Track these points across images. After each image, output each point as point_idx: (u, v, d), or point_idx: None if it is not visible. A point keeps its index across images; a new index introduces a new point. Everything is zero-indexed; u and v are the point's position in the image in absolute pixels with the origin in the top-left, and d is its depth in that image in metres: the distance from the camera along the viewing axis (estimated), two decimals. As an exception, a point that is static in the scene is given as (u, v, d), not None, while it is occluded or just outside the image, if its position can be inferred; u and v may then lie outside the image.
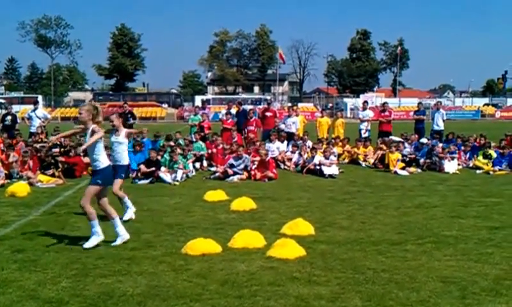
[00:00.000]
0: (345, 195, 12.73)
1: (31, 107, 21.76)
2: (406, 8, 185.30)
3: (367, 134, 21.24)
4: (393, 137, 19.54)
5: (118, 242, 8.21)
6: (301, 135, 19.94)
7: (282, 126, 20.73)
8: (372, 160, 18.19)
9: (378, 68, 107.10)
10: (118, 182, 9.85)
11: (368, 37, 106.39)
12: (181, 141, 18.53)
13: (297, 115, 21.00)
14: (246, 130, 19.95)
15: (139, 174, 14.93)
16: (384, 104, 23.87)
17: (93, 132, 7.98)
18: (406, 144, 18.78)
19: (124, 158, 10.07)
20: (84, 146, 8.09)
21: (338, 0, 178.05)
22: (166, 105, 78.98)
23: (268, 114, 21.20)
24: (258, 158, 15.58)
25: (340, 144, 19.74)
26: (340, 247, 7.94)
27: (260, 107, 38.06)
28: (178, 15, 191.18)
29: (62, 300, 5.95)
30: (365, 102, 23.77)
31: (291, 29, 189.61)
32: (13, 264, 7.25)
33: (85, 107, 8.35)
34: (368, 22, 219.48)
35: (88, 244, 7.99)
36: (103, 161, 8.14)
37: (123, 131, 10.16)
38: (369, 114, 22.11)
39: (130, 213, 9.94)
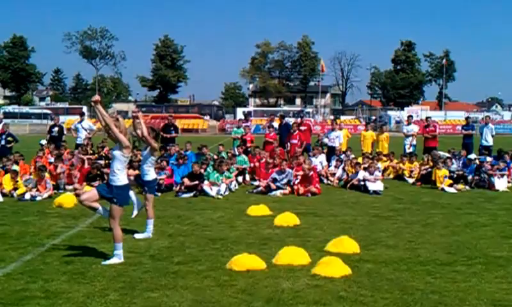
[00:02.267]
0: (390, 212, 12.52)
1: (76, 117, 22.19)
2: (452, 19, 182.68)
3: (411, 149, 20.91)
4: (440, 152, 19.13)
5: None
6: (344, 149, 19.77)
7: (325, 140, 20.58)
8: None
9: (423, 80, 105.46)
10: (150, 198, 9.93)
11: (413, 48, 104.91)
12: (224, 154, 18.60)
13: (340, 129, 20.80)
14: (288, 144, 19.83)
15: (182, 187, 15.03)
16: (427, 119, 23.45)
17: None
18: (454, 160, 18.37)
19: (148, 174, 10.06)
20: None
21: (382, 11, 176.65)
22: (207, 117, 79.60)
23: (302, 128, 21.02)
24: (301, 172, 15.49)
25: (385, 159, 19.48)
26: (387, 266, 7.82)
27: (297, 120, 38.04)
28: (221, 26, 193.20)
29: (110, 313, 6.03)
30: (410, 117, 23.41)
31: (334, 40, 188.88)
32: (62, 276, 7.38)
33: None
34: (413, 33, 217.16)
35: (107, 262, 8.03)
36: (121, 179, 8.18)
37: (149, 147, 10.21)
38: (414, 128, 21.75)
39: (147, 234, 9.81)
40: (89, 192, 8.49)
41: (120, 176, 8.14)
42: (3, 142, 19.54)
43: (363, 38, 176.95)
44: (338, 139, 19.92)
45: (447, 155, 19.28)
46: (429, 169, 17.36)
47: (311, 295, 6.56)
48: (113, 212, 8.08)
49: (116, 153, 8.18)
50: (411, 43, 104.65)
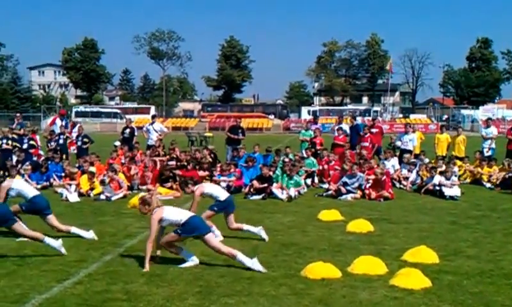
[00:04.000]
0: (469, 219, 12.06)
1: (145, 116, 22.65)
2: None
3: (490, 153, 20.19)
4: None
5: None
6: (417, 152, 19.31)
7: (398, 143, 20.15)
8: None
9: (500, 78, 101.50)
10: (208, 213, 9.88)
11: (490, 45, 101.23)
12: (291, 156, 18.51)
13: (413, 131, 20.29)
14: (359, 146, 19.54)
15: (251, 190, 15.10)
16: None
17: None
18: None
19: (219, 195, 9.96)
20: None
21: (456, 7, 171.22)
22: (272, 116, 79.73)
23: (374, 130, 20.65)
24: (372, 176, 15.25)
25: (461, 162, 18.88)
26: (469, 279, 7.54)
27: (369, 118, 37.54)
28: (286, 26, 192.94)
29: (190, 318, 6.11)
30: (489, 119, 22.62)
31: (404, 38, 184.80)
32: (141, 277, 7.54)
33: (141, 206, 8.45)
34: (489, 29, 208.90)
35: (184, 265, 8.12)
36: (181, 217, 8.18)
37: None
38: (493, 131, 20.94)
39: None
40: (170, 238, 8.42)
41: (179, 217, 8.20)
42: (79, 143, 20.20)
43: (436, 36, 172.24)
44: (412, 142, 19.45)
45: None
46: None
47: (390, 308, 6.45)
48: (171, 236, 8.24)
49: None
50: (488, 40, 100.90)
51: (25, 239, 9.47)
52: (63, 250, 8.67)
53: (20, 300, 6.59)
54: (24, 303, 6.51)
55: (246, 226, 10.01)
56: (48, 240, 8.66)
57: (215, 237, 9.78)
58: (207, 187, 10.12)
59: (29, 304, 6.49)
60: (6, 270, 7.86)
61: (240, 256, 7.99)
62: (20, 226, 8.52)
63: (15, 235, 9.26)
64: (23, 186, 10.18)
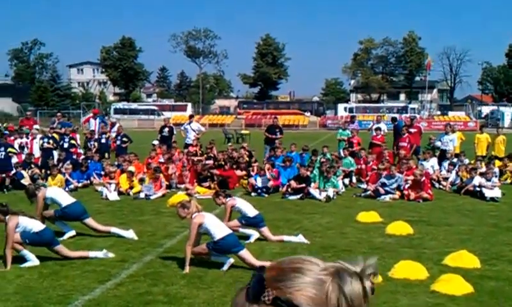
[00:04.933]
0: (510, 222, 11.79)
1: (182, 114, 22.81)
2: None
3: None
4: None
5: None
6: (457, 152, 18.97)
7: (438, 143, 19.82)
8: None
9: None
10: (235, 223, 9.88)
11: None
12: (328, 155, 18.43)
13: (453, 131, 19.95)
14: (397, 146, 19.31)
15: (289, 190, 15.08)
16: None
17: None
18: None
19: (248, 212, 10.01)
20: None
21: (495, 3, 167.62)
22: (308, 113, 79.34)
23: (412, 130, 20.35)
24: (411, 177, 15.06)
25: (501, 163, 18.49)
26: (512, 285, 7.43)
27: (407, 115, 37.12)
28: (322, 23, 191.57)
29: (231, 323, 6.12)
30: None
31: (442, 35, 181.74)
32: (181, 279, 7.62)
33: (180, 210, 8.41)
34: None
35: (225, 267, 8.16)
36: (218, 233, 8.18)
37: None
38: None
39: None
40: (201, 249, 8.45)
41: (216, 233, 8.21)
42: (119, 142, 20.45)
43: (475, 33, 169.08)
44: (452, 142, 19.12)
45: None
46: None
47: (432, 314, 6.39)
48: (203, 248, 8.29)
49: None
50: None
51: (65, 237, 9.69)
52: (110, 254, 8.81)
53: (63, 302, 6.72)
54: (67, 304, 6.64)
55: (286, 237, 9.98)
56: (94, 254, 8.78)
57: (251, 238, 9.86)
58: (238, 202, 10.12)
59: (72, 306, 6.62)
60: (49, 270, 8.03)
61: None
62: (62, 248, 8.67)
63: (58, 235, 9.46)
64: (57, 194, 10.35)
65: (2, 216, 8.31)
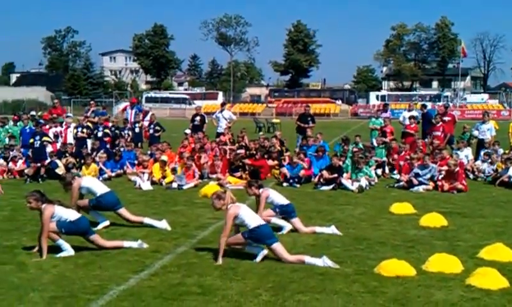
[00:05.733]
0: (546, 214, 11.59)
1: (213, 102, 22.81)
2: None
3: None
4: None
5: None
6: (492, 142, 18.61)
7: (475, 132, 19.45)
8: None
9: None
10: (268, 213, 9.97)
11: None
12: (361, 145, 18.27)
13: (489, 120, 19.51)
14: (431, 136, 19.01)
15: (321, 180, 15.02)
16: None
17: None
18: None
19: (280, 201, 10.07)
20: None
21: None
22: (339, 102, 78.89)
23: (446, 118, 20.02)
24: (445, 167, 14.86)
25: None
26: (550, 280, 7.26)
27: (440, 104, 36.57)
28: (354, 10, 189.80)
29: (264, 315, 6.16)
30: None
31: (475, 20, 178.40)
32: (215, 271, 7.65)
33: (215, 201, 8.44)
34: None
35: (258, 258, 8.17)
36: (253, 223, 8.23)
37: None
38: None
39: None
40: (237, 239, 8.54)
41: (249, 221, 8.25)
42: (151, 131, 20.56)
43: (508, 18, 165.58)
44: (490, 131, 18.74)
45: None
46: None
47: (468, 309, 6.31)
48: (238, 237, 8.38)
49: None
50: None
51: (99, 227, 9.80)
52: (145, 245, 8.89)
53: (98, 292, 6.79)
54: (103, 294, 6.70)
55: (318, 229, 9.94)
56: (128, 244, 8.88)
57: (284, 230, 9.85)
58: (271, 193, 10.11)
59: (108, 296, 6.68)
60: (84, 260, 8.13)
61: (309, 259, 7.96)
62: (97, 238, 8.79)
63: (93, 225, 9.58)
64: (92, 183, 10.45)
65: (40, 204, 8.43)
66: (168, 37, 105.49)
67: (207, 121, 22.19)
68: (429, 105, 41.32)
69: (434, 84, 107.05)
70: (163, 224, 10.11)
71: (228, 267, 7.78)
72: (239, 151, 17.56)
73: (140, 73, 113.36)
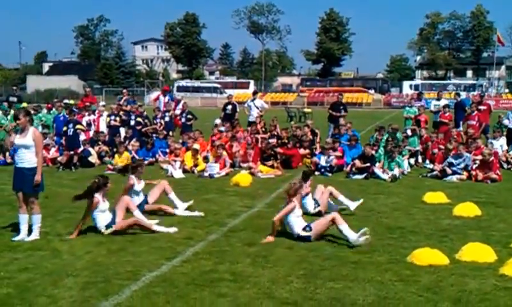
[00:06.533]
0: None
1: (244, 91, 22.66)
2: None
3: None
4: None
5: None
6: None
7: (506, 121, 19.13)
8: None
9: None
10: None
11: None
12: (398, 135, 18.00)
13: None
14: (465, 125, 18.70)
15: (353, 169, 14.94)
16: None
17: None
18: None
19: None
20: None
21: None
22: (372, 91, 78.06)
23: (482, 107, 19.66)
24: (479, 157, 14.63)
25: None
26: None
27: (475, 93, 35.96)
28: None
29: (296, 302, 6.18)
30: None
31: (511, 8, 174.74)
32: (246, 258, 7.69)
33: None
34: None
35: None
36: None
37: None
38: None
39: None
40: None
41: None
42: (183, 119, 20.60)
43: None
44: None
45: None
46: None
47: (501, 299, 6.24)
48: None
49: None
50: None
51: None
52: (172, 229, 9.10)
53: (131, 277, 6.89)
54: (136, 280, 6.79)
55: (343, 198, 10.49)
56: (158, 228, 9.14)
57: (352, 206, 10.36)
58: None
59: (140, 281, 6.77)
60: (117, 247, 8.25)
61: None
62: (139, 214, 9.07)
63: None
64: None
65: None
66: (199, 25, 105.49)
67: (238, 109, 22.15)
68: (463, 94, 40.68)
69: (469, 73, 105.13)
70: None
71: (259, 255, 7.82)
72: (270, 140, 17.55)
73: (171, 62, 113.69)
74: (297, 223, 8.65)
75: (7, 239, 8.63)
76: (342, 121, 19.53)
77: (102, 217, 8.94)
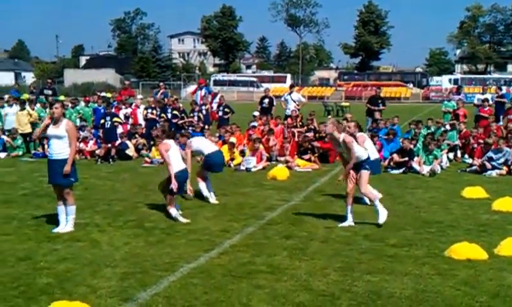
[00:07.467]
0: None
1: (281, 85, 22.58)
2: None
3: None
4: None
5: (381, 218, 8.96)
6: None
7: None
8: None
9: None
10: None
11: None
12: (433, 129, 17.85)
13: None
14: (505, 119, 18.39)
15: (391, 163, 14.84)
16: None
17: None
18: None
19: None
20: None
21: None
22: (411, 85, 77.03)
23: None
24: (520, 152, 14.37)
25: None
26: None
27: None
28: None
29: (333, 294, 6.20)
30: None
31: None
32: (283, 251, 7.75)
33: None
34: None
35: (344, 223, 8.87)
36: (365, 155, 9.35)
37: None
38: None
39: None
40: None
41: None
42: (220, 113, 20.70)
43: None
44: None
45: None
46: None
47: (541, 294, 6.16)
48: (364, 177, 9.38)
49: None
50: None
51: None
52: (182, 219, 9.43)
53: (169, 269, 6.99)
54: (173, 271, 6.90)
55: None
56: (174, 212, 9.48)
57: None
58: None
59: (178, 273, 6.87)
60: (155, 238, 8.39)
61: (378, 204, 9.11)
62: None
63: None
64: (201, 143, 11.67)
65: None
66: (236, 19, 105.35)
67: (275, 103, 22.15)
68: (504, 89, 39.85)
69: (510, 67, 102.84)
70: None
71: (296, 248, 7.87)
72: (308, 134, 17.51)
73: (208, 56, 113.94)
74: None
75: (47, 230, 8.82)
76: (377, 115, 19.34)
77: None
